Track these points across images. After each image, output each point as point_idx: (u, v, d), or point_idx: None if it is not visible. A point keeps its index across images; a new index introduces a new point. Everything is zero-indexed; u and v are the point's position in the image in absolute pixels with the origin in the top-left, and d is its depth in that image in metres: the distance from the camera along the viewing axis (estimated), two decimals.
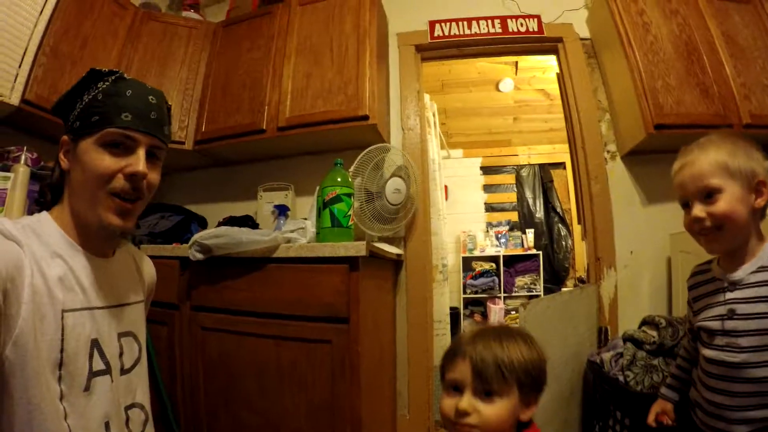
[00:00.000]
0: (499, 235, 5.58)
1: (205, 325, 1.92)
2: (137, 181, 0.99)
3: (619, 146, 2.57)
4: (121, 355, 1.05)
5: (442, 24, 2.83)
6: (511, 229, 5.69)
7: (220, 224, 2.49)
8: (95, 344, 0.96)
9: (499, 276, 5.42)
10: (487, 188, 6.04)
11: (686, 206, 1.22)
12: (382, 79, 2.59)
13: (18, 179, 1.87)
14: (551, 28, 2.77)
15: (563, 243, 5.63)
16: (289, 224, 2.12)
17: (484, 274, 5.41)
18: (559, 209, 5.76)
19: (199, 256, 1.83)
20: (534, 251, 5.48)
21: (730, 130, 1.24)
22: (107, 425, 0.95)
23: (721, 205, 1.11)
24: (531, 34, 2.77)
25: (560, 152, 5.82)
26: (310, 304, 1.73)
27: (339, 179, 2.00)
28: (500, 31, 2.78)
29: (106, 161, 0.96)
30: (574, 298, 2.34)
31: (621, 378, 1.85)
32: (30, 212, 1.85)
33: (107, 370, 0.98)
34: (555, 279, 5.55)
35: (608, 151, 2.59)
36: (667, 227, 2.29)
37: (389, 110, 2.76)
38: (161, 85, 2.57)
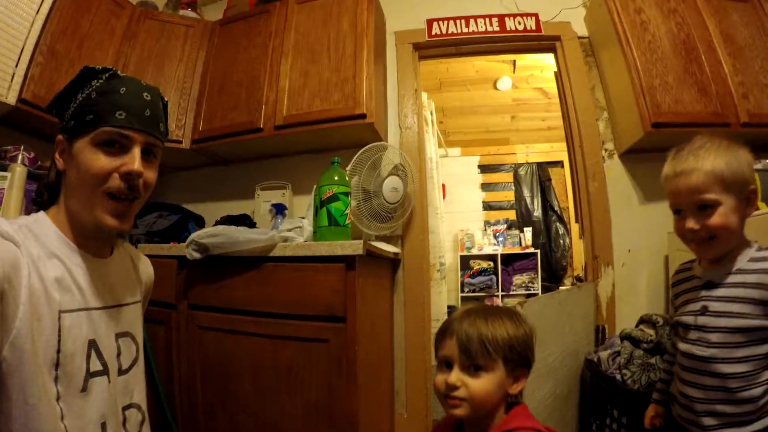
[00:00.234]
0: (497, 234, 5.58)
1: (202, 324, 1.91)
2: (133, 180, 0.98)
3: (617, 145, 2.57)
4: (118, 355, 1.04)
5: (440, 22, 2.82)
6: (509, 228, 5.69)
7: (217, 223, 2.48)
8: (93, 345, 0.95)
9: (497, 274, 5.42)
10: (485, 187, 6.03)
11: (678, 212, 1.24)
12: (380, 77, 2.59)
13: (15, 179, 1.87)
14: (549, 26, 2.77)
15: (561, 241, 5.64)
16: (286, 223, 2.11)
17: (482, 272, 5.41)
18: (557, 208, 5.77)
19: (196, 255, 1.83)
20: (532, 250, 5.48)
21: (721, 132, 1.24)
22: (104, 426, 0.95)
23: (717, 219, 1.13)
24: (529, 32, 2.76)
25: (558, 151, 5.82)
26: (307, 303, 1.72)
27: (336, 178, 2.00)
28: (498, 29, 2.78)
29: (101, 161, 0.95)
30: (571, 297, 2.34)
31: (618, 376, 1.86)
32: (27, 212, 1.85)
33: (104, 371, 0.97)
34: (553, 277, 5.56)
35: (606, 150, 2.59)
36: (664, 225, 2.28)
37: (387, 109, 2.75)
38: (158, 84, 2.52)
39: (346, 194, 2.01)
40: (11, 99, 1.99)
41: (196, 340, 1.92)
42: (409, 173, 2.42)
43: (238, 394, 1.81)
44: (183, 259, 1.91)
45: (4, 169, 1.89)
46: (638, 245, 2.47)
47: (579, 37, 2.75)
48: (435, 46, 2.88)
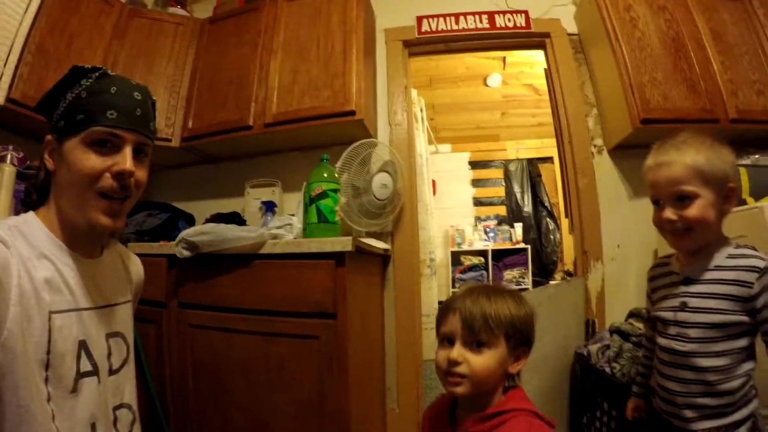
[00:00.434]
0: (488, 230, 5.60)
1: (193, 322, 1.91)
2: (125, 179, 0.98)
3: (606, 141, 2.59)
4: (109, 355, 1.04)
5: (430, 19, 2.82)
6: (499, 224, 5.71)
7: (207, 221, 2.48)
8: (83, 345, 0.95)
9: (487, 270, 5.44)
10: (476, 183, 6.05)
11: (657, 203, 1.26)
12: (369, 74, 2.59)
13: (4, 179, 1.85)
14: (539, 23, 2.78)
15: (551, 237, 5.66)
16: (276, 220, 2.11)
17: (473, 268, 5.42)
18: (547, 203, 5.79)
19: (186, 253, 1.83)
20: (522, 245, 5.50)
21: (705, 130, 1.26)
22: (93, 426, 0.95)
23: (694, 210, 1.15)
24: (518, 29, 2.77)
25: (548, 147, 5.84)
26: (297, 300, 1.73)
27: (325, 175, 2.00)
28: (488, 26, 2.78)
29: (93, 160, 0.95)
30: (561, 291, 2.36)
31: (608, 370, 1.87)
32: (17, 212, 1.84)
33: (94, 372, 0.97)
34: (544, 272, 5.58)
35: (595, 146, 2.61)
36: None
37: (376, 106, 2.76)
38: (148, 82, 2.55)
39: (336, 191, 2.01)
40: (0, 99, 1.98)
41: (187, 338, 1.91)
42: (398, 170, 2.42)
43: (229, 391, 1.81)
44: (173, 258, 1.90)
45: None
46: (627, 240, 2.49)
47: (569, 34, 2.76)
48: (425, 43, 2.88)
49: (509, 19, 2.77)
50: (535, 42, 2.85)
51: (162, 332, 1.97)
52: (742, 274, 1.13)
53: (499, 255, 5.55)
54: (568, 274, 2.86)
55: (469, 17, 2.79)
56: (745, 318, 1.12)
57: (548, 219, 5.74)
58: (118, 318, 1.11)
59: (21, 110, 2.04)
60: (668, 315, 1.26)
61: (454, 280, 5.47)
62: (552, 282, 5.10)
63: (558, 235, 5.67)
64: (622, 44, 2.30)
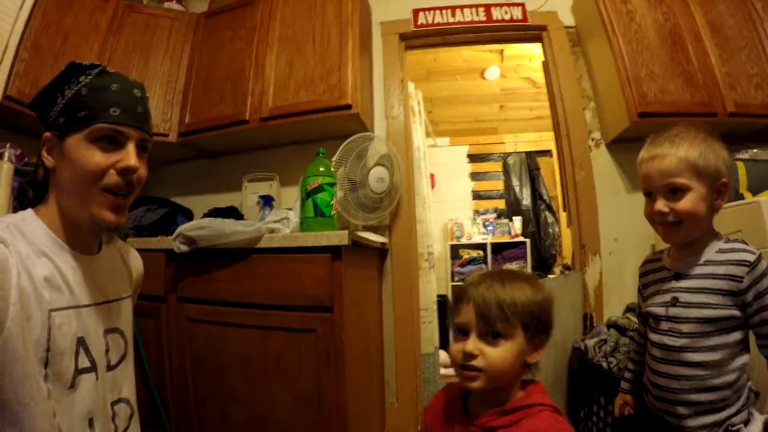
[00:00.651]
0: (487, 223, 5.59)
1: (191, 316, 1.92)
2: (129, 175, 0.99)
3: (604, 134, 2.59)
4: (107, 351, 1.04)
5: (426, 12, 2.82)
6: (498, 217, 5.70)
7: (205, 216, 2.48)
8: (81, 342, 0.96)
9: (486, 263, 5.43)
10: (474, 176, 6.02)
11: (649, 195, 1.26)
12: (366, 68, 2.58)
13: (2, 176, 1.86)
14: (535, 16, 2.77)
15: (550, 230, 5.65)
16: (273, 214, 2.12)
17: (471, 261, 5.41)
18: (545, 197, 5.78)
19: (184, 248, 1.84)
20: (521, 239, 5.49)
21: (700, 124, 1.26)
22: (90, 422, 0.95)
23: (685, 203, 1.16)
24: (515, 22, 2.77)
25: (547, 140, 5.81)
26: (294, 293, 1.74)
27: (321, 169, 2.00)
28: (484, 19, 2.78)
29: (97, 157, 0.96)
30: (558, 285, 2.36)
31: (604, 364, 1.88)
32: (15, 210, 1.84)
33: (92, 368, 0.97)
34: (543, 266, 5.58)
35: (593, 139, 2.61)
36: None
37: (373, 99, 2.76)
38: (144, 78, 2.57)
39: (332, 185, 2.01)
40: None
41: (186, 332, 1.93)
42: (395, 163, 2.42)
43: (228, 384, 1.82)
44: (171, 253, 1.91)
45: None
46: (625, 234, 2.49)
47: (566, 27, 2.75)
48: (421, 36, 2.88)
49: (506, 12, 2.76)
50: (532, 35, 2.85)
51: (161, 326, 1.98)
52: (732, 269, 1.13)
53: (498, 248, 5.54)
54: (567, 267, 2.86)
55: (466, 10, 2.79)
56: (736, 312, 1.12)
57: (547, 212, 5.73)
58: (116, 314, 1.11)
59: (18, 107, 2.03)
60: (660, 310, 1.26)
61: (453, 274, 5.47)
62: (550, 276, 5.10)
63: (557, 229, 5.66)
64: (619, 37, 2.29)
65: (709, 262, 1.18)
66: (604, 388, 1.82)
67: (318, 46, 2.41)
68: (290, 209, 2.21)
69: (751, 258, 1.11)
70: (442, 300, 4.45)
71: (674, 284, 1.24)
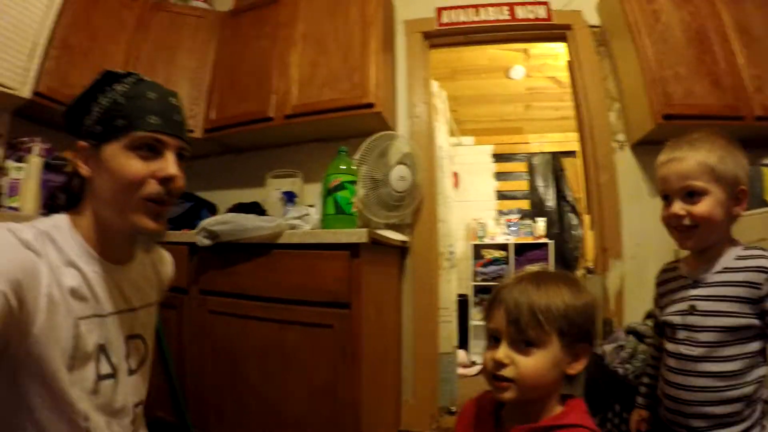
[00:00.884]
0: (510, 224, 5.56)
1: (212, 308, 1.97)
2: (170, 184, 0.98)
3: (629, 136, 2.55)
4: (127, 357, 1.05)
5: (450, 11, 2.81)
6: (522, 218, 5.66)
7: (228, 211, 2.52)
8: (102, 349, 0.96)
9: (509, 264, 5.40)
10: (499, 176, 5.98)
11: (666, 198, 1.23)
12: (389, 66, 2.60)
13: (32, 169, 1.92)
14: (560, 15, 2.74)
15: (573, 232, 5.59)
16: (294, 211, 2.15)
17: (494, 261, 5.38)
18: (570, 198, 5.70)
19: (206, 242, 1.87)
20: (544, 240, 5.45)
21: (721, 130, 1.23)
22: (109, 424, 0.97)
23: (702, 207, 1.13)
24: (539, 21, 2.74)
25: (572, 141, 5.71)
26: (312, 289, 1.76)
27: (342, 167, 2.03)
28: (508, 17, 2.76)
29: (137, 165, 0.95)
30: None
31: (621, 371, 1.85)
32: (44, 203, 1.90)
33: (113, 374, 0.99)
34: (565, 268, 5.51)
35: (617, 141, 2.57)
36: None
37: (396, 98, 2.76)
38: (170, 75, 2.63)
39: (353, 183, 2.03)
40: (26, 92, 2.04)
41: (207, 323, 1.97)
42: (417, 162, 2.43)
43: (245, 376, 1.85)
44: (194, 246, 1.96)
45: (21, 160, 1.94)
46: (647, 238, 2.44)
47: (591, 26, 2.71)
48: (445, 35, 2.87)
49: (530, 11, 2.74)
50: (557, 34, 2.82)
51: (183, 318, 2.04)
52: (750, 276, 1.10)
53: (521, 249, 5.50)
54: (589, 271, 2.83)
55: (490, 9, 2.77)
56: (755, 321, 1.09)
57: (571, 214, 5.66)
58: (139, 321, 1.11)
59: (47, 103, 2.08)
60: (677, 319, 1.23)
61: (475, 273, 5.45)
62: None
63: (580, 231, 5.60)
64: (644, 37, 2.25)
65: (728, 270, 1.15)
66: (620, 395, 1.80)
67: (341, 45, 2.43)
68: (312, 206, 2.23)
69: None
70: (463, 299, 4.44)
71: (691, 292, 1.21)
